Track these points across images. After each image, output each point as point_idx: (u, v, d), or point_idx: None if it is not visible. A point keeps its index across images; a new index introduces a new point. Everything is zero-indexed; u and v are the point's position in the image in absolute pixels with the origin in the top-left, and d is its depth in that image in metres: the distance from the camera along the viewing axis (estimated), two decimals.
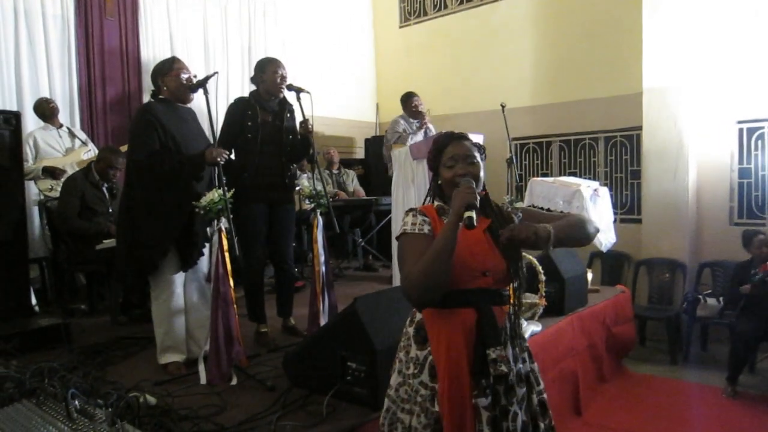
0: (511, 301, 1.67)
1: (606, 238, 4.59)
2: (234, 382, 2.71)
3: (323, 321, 3.19)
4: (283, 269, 3.55)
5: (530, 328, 3.32)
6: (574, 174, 6.25)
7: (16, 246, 3.72)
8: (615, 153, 6.09)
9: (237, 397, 2.53)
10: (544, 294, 3.53)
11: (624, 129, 5.96)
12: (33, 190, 4.66)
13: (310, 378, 2.55)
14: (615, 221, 5.21)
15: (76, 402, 1.78)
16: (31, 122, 4.71)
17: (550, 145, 6.57)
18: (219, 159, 2.74)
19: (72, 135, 4.79)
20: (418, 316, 1.66)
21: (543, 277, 3.54)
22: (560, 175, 6.33)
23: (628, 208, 5.95)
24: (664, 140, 5.35)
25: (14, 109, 4.54)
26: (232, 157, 3.28)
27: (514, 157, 4.87)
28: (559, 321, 3.65)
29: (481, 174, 1.67)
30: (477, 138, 3.84)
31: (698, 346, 5.12)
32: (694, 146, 5.32)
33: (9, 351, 2.98)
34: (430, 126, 5.37)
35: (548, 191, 4.57)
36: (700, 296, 5.02)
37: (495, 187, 5.87)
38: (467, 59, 7.18)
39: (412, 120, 5.47)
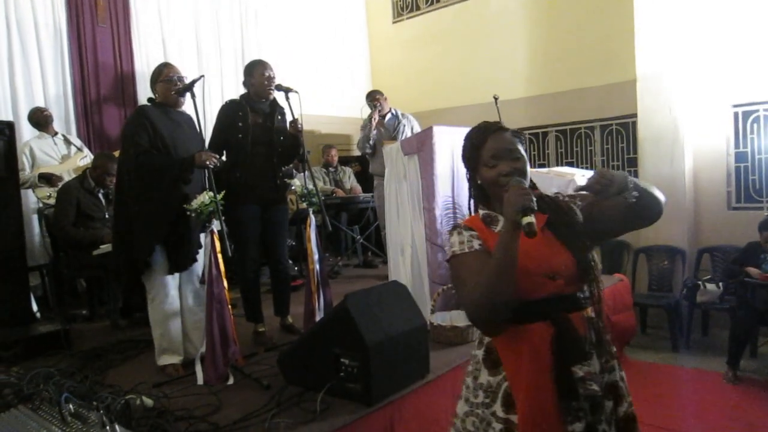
0: (592, 301, 1.44)
1: None
2: (231, 381, 2.74)
3: (319, 318, 3.21)
4: (278, 269, 3.57)
5: None
6: (571, 164, 6.25)
7: (15, 254, 3.76)
8: (611, 141, 6.08)
9: (233, 396, 2.56)
10: None
11: (619, 117, 5.95)
12: (31, 199, 4.70)
13: (304, 375, 2.58)
14: None
15: (70, 406, 1.81)
16: (26, 131, 4.75)
17: (546, 136, 6.57)
18: (208, 162, 2.77)
19: (67, 142, 4.82)
20: (487, 337, 1.48)
21: None
22: (557, 165, 6.33)
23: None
24: (659, 127, 5.34)
25: (9, 118, 4.57)
26: (224, 159, 3.31)
27: None
28: None
29: (528, 168, 1.48)
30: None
31: (699, 332, 5.12)
32: (690, 132, 5.31)
33: (10, 358, 3.02)
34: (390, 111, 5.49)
35: (543, 182, 4.50)
36: (700, 282, 5.02)
37: None
38: (461, 52, 7.18)
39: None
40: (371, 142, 5.44)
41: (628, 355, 4.70)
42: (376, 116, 5.40)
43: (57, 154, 4.73)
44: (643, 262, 5.55)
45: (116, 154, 4.19)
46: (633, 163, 5.84)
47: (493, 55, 6.85)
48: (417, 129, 5.45)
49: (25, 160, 4.52)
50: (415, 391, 2.53)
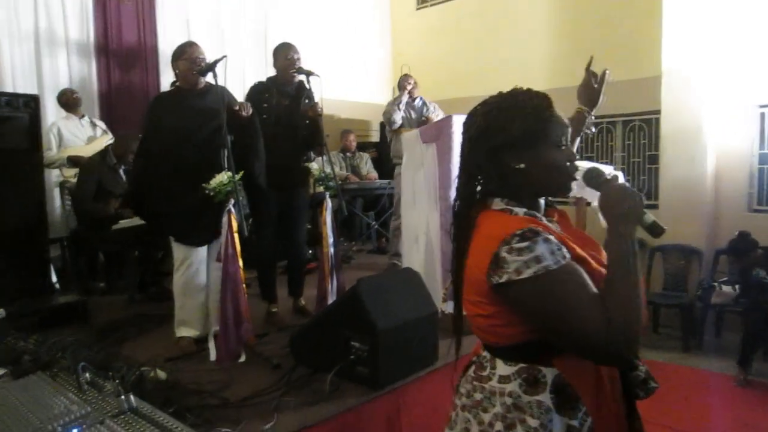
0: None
1: None
2: (242, 359, 2.79)
3: (331, 302, 3.24)
4: (294, 251, 3.62)
5: None
6: (590, 158, 6.18)
7: (36, 226, 3.84)
8: (633, 137, 6.01)
9: (243, 373, 2.62)
10: None
11: (642, 113, 5.87)
12: (54, 172, 4.78)
13: (314, 357, 2.62)
14: None
15: (87, 374, 1.85)
16: (50, 107, 4.81)
17: None
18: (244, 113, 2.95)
19: (93, 125, 4.89)
20: (550, 373, 1.18)
21: None
22: (577, 159, 6.25)
23: (644, 193, 5.84)
24: (682, 125, 5.26)
25: (34, 91, 4.63)
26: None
27: None
28: None
29: None
30: None
31: (712, 334, 5.07)
32: (714, 131, 5.22)
33: (29, 326, 3.09)
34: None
35: None
36: (716, 283, 4.97)
37: None
38: (483, 41, 7.12)
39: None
40: (398, 120, 5.32)
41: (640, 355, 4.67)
42: (405, 98, 5.34)
43: (83, 135, 4.80)
44: (659, 260, 5.50)
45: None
46: (654, 160, 5.77)
47: (516, 45, 6.79)
48: (437, 117, 5.42)
49: (52, 139, 4.60)
50: (423, 378, 2.56)
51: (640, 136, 5.95)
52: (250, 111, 3.09)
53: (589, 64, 1.65)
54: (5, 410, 1.73)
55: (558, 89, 5.92)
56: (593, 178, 1.23)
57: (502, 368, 1.22)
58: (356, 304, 2.40)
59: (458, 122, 3.52)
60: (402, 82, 5.38)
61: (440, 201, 3.56)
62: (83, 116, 4.85)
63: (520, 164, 1.22)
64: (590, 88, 1.68)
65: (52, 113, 4.82)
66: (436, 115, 5.47)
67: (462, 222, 1.27)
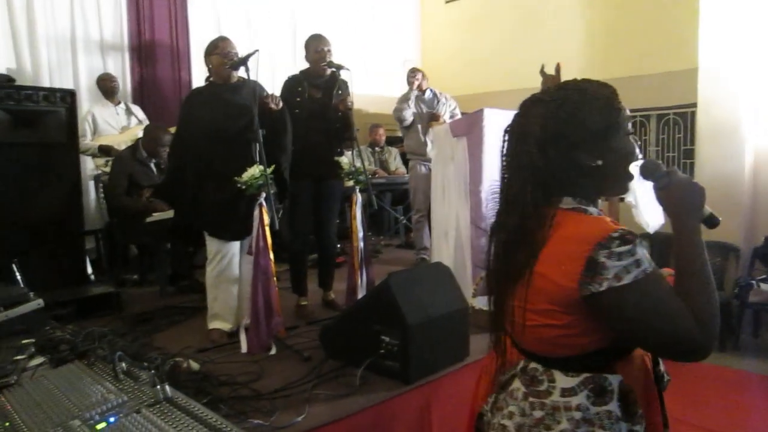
0: None
1: (654, 219, 4.45)
2: (273, 351, 2.81)
3: (360, 296, 3.25)
4: (325, 243, 3.65)
5: None
6: None
7: (72, 218, 3.94)
8: (667, 131, 5.88)
9: (274, 365, 2.63)
10: None
11: (677, 106, 5.73)
12: (89, 165, 4.88)
13: (344, 350, 2.62)
14: None
15: (123, 364, 1.88)
16: (85, 99, 4.90)
17: None
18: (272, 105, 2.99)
19: (129, 113, 4.96)
20: (615, 380, 1.13)
21: None
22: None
23: None
24: (719, 119, 5.11)
25: (70, 86, 4.74)
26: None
27: None
28: None
29: None
30: None
31: (749, 333, 4.94)
32: (752, 126, 5.07)
33: (66, 316, 3.16)
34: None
35: None
36: (754, 281, 4.84)
37: None
38: (515, 35, 7.02)
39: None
40: (409, 117, 5.26)
41: None
42: (413, 94, 5.28)
43: (117, 124, 4.88)
44: None
45: (171, 130, 4.32)
46: (689, 155, 5.64)
47: (548, 38, 6.68)
48: (456, 110, 5.36)
49: (87, 128, 4.70)
50: (453, 374, 2.54)
51: (675, 130, 5.82)
52: (280, 104, 3.09)
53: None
54: (45, 398, 1.77)
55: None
56: (652, 172, 1.16)
57: (564, 380, 1.13)
58: (387, 299, 2.39)
59: (490, 116, 3.49)
60: (409, 78, 5.33)
61: (470, 196, 3.52)
62: (119, 103, 4.93)
63: (597, 161, 1.13)
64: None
65: (87, 104, 4.91)
66: (448, 106, 5.40)
67: (532, 223, 1.13)
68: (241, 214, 3.04)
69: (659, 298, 1.04)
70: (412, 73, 5.38)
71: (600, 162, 1.13)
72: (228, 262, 3.06)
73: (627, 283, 1.02)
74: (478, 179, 3.47)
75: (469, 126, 3.55)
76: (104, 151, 4.71)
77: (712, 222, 1.13)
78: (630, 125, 1.19)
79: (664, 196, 1.14)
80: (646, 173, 1.17)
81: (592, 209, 1.16)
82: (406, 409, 2.32)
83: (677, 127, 5.80)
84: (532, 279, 1.12)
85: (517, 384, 1.20)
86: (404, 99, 5.25)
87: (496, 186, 3.70)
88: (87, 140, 4.65)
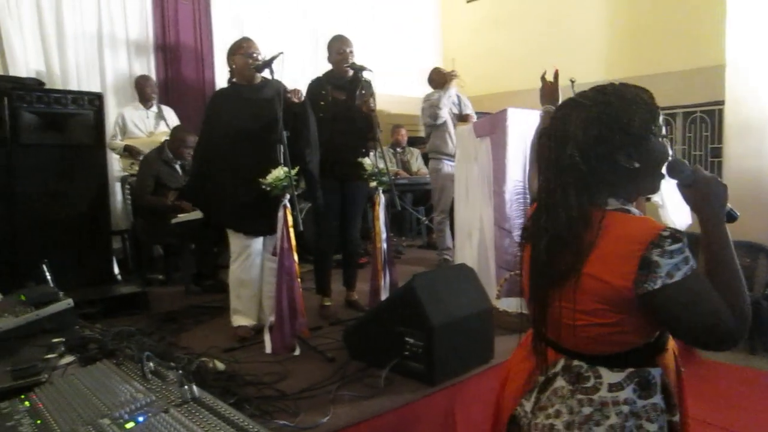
0: None
1: (681, 218, 4.39)
2: (297, 352, 2.82)
3: (384, 297, 3.24)
4: (349, 243, 3.67)
5: None
6: None
7: (99, 219, 4.00)
8: (694, 129, 5.77)
9: (298, 366, 2.64)
10: None
11: (704, 104, 5.63)
12: (116, 167, 4.95)
13: (368, 351, 2.62)
14: None
15: (151, 364, 1.90)
16: (112, 102, 4.98)
17: None
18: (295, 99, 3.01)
19: (160, 116, 5.03)
20: (657, 373, 1.20)
21: None
22: None
23: None
24: (748, 116, 5.00)
25: (97, 88, 4.82)
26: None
27: None
28: None
29: None
30: None
31: None
32: None
33: (94, 315, 3.21)
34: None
35: None
36: None
37: None
38: (536, 33, 6.96)
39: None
40: (444, 115, 5.14)
41: (701, 353, 4.50)
42: (453, 90, 5.22)
43: (145, 128, 4.95)
44: None
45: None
46: (717, 153, 5.53)
47: (570, 35, 6.61)
48: (471, 111, 5.32)
49: (117, 129, 4.80)
50: (478, 375, 2.53)
51: (702, 128, 5.71)
52: (302, 96, 3.12)
53: (543, 75, 1.92)
54: (75, 396, 1.80)
55: (618, 81, 5.67)
56: (679, 170, 1.19)
57: (610, 376, 1.17)
58: (411, 300, 2.38)
59: (513, 115, 3.46)
60: (449, 77, 5.27)
61: (494, 196, 3.50)
62: (152, 106, 5.00)
63: (635, 163, 1.17)
64: (549, 89, 1.90)
65: (112, 108, 4.99)
66: (471, 109, 5.36)
67: (578, 226, 1.15)
68: (266, 211, 3.05)
69: (705, 291, 1.09)
70: (453, 72, 5.33)
71: (638, 164, 1.16)
72: (251, 261, 3.09)
73: (678, 279, 1.07)
74: (502, 180, 3.45)
75: (493, 126, 3.53)
76: (129, 151, 4.79)
77: (731, 216, 1.18)
78: (663, 127, 1.21)
79: (690, 193, 1.18)
80: (672, 172, 1.20)
81: (633, 209, 1.19)
82: (431, 411, 2.31)
83: (704, 125, 5.69)
84: (582, 281, 1.14)
85: (560, 383, 1.22)
86: (443, 96, 5.19)
87: (519, 186, 3.70)
88: (117, 141, 4.76)
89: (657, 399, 1.17)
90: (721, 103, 5.27)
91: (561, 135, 1.20)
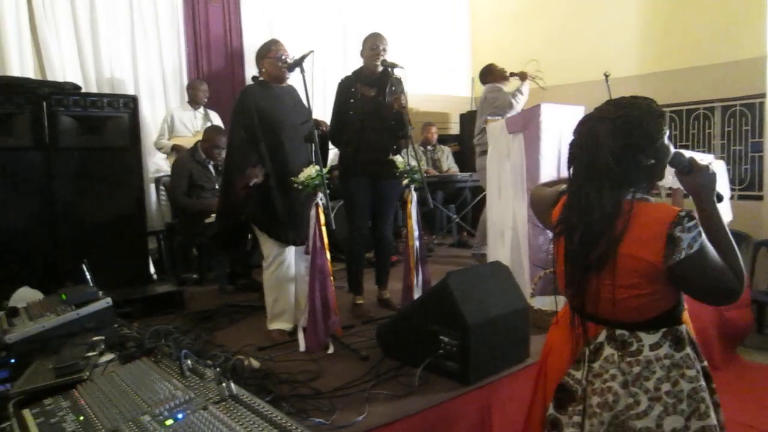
0: None
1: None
2: (330, 350, 2.82)
3: (416, 295, 3.22)
4: (382, 240, 3.65)
5: None
6: (686, 147, 5.82)
7: (136, 220, 4.08)
8: (733, 124, 5.60)
9: (332, 364, 2.64)
10: None
11: (744, 97, 5.45)
12: (150, 168, 5.05)
13: (402, 350, 2.61)
14: (732, 197, 4.82)
15: (188, 361, 1.92)
16: (145, 103, 5.08)
17: None
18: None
19: (206, 118, 5.13)
20: (683, 329, 1.47)
21: None
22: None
23: (747, 184, 5.48)
24: None
25: (131, 91, 4.92)
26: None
27: None
28: None
29: None
30: (577, 110, 3.69)
31: None
32: None
33: (131, 314, 3.27)
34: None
35: None
36: None
37: None
38: (568, 27, 6.85)
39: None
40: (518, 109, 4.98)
41: (741, 355, 4.37)
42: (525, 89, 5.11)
43: (192, 127, 5.05)
44: (764, 256, 5.10)
45: None
46: (758, 147, 5.36)
47: (603, 29, 6.48)
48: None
49: (165, 127, 4.93)
50: (514, 375, 2.49)
51: (741, 122, 5.54)
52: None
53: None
54: (116, 393, 1.82)
55: (650, 75, 5.60)
56: (678, 162, 1.49)
57: (649, 338, 1.43)
58: (446, 298, 2.36)
59: (547, 111, 3.41)
60: (524, 75, 5.18)
61: (527, 193, 3.45)
62: (199, 108, 5.11)
63: (651, 160, 1.44)
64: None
65: (147, 110, 5.10)
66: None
67: (613, 216, 1.41)
68: (304, 217, 3.07)
69: (713, 258, 1.37)
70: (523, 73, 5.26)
71: (653, 161, 1.44)
72: (287, 266, 3.10)
73: (696, 249, 1.34)
74: (536, 176, 3.40)
75: (526, 122, 3.48)
76: (177, 151, 4.89)
77: (719, 198, 1.48)
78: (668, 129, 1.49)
79: (686, 180, 1.49)
80: (673, 163, 1.49)
81: (650, 198, 1.48)
82: (466, 411, 2.28)
83: (744, 118, 5.52)
84: (619, 260, 1.40)
85: (608, 351, 1.46)
86: (518, 91, 5.07)
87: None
88: (164, 139, 4.88)
89: (689, 350, 1.43)
90: (762, 96, 5.11)
91: (593, 144, 1.45)
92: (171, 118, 4.99)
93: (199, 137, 4.90)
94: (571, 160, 1.53)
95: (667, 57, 5.95)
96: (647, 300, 1.41)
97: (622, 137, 1.41)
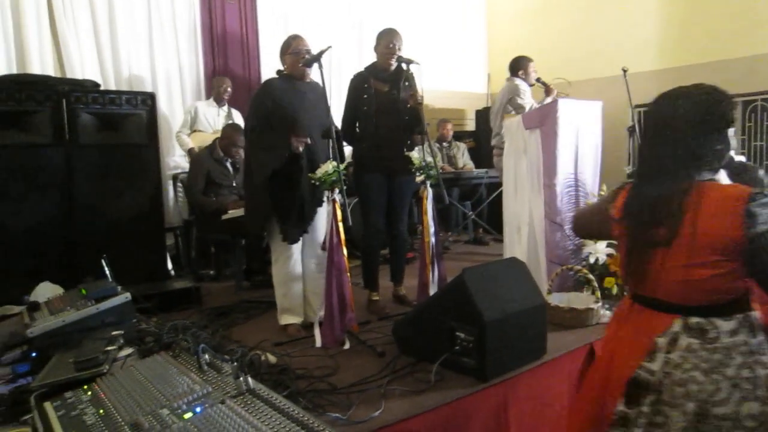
0: None
1: None
2: (347, 346, 2.82)
3: (432, 292, 3.21)
4: (397, 236, 3.65)
5: None
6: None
7: (154, 216, 4.11)
8: (755, 119, 5.51)
9: (349, 360, 2.64)
10: None
11: (765, 92, 5.37)
12: (168, 165, 5.08)
13: (418, 346, 2.60)
14: None
15: (206, 356, 1.93)
16: (164, 101, 5.12)
17: None
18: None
19: (229, 117, 5.16)
20: (756, 315, 1.48)
21: None
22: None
23: None
24: None
25: (149, 88, 4.96)
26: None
27: (636, 125, 4.57)
28: None
29: None
30: (595, 106, 3.65)
31: None
32: None
33: (150, 309, 3.30)
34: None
35: None
36: None
37: (614, 156, 5.56)
38: (585, 22, 6.78)
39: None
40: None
41: None
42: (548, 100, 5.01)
43: (214, 124, 5.08)
44: None
45: None
46: None
47: (621, 23, 6.40)
48: None
49: (188, 119, 4.96)
50: (531, 372, 2.47)
51: (763, 116, 5.49)
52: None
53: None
54: (135, 387, 1.84)
55: (669, 70, 5.52)
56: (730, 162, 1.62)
57: (725, 325, 1.44)
58: (462, 294, 2.35)
59: (564, 106, 3.38)
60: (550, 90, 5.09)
61: (544, 189, 3.43)
62: (224, 105, 5.14)
63: (720, 145, 1.48)
64: None
65: (164, 107, 5.13)
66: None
67: (686, 192, 1.45)
68: (304, 216, 3.09)
69: None
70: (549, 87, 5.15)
71: (720, 146, 1.48)
72: (293, 262, 3.12)
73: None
74: (553, 172, 3.37)
75: (543, 117, 3.45)
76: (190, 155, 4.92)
77: None
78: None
79: (736, 180, 1.60)
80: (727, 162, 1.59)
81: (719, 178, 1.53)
82: (483, 407, 2.27)
83: (765, 113, 5.43)
84: (695, 238, 1.42)
85: (686, 340, 1.46)
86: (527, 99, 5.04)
87: (570, 179, 3.62)
88: (185, 133, 4.91)
89: (762, 336, 1.44)
90: None
91: (670, 115, 1.50)
92: (195, 110, 4.99)
93: (218, 135, 4.94)
94: (647, 133, 1.59)
95: (687, 51, 5.86)
96: (724, 280, 1.42)
97: (702, 113, 1.46)
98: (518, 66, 5.11)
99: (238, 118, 5.20)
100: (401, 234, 3.65)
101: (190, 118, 4.98)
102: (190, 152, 4.86)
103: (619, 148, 5.62)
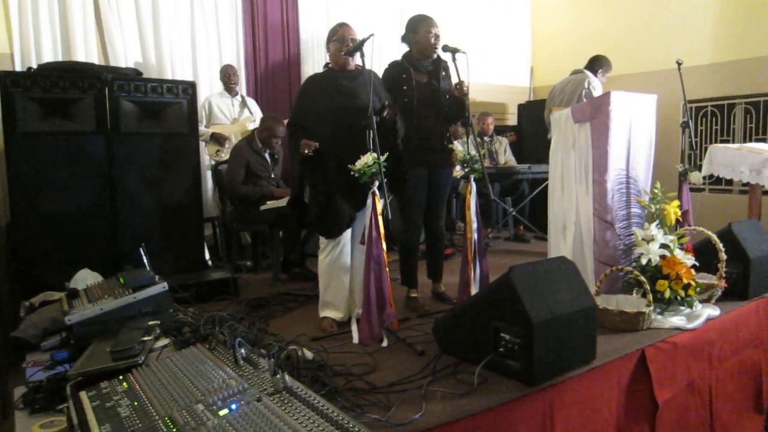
0: None
1: None
2: (385, 344, 2.74)
3: (474, 290, 3.10)
4: (436, 232, 3.54)
5: (706, 312, 2.96)
6: (762, 140, 5.46)
7: (192, 207, 4.11)
8: None
9: (387, 358, 2.55)
10: (724, 275, 3.14)
11: None
12: (206, 155, 5.09)
13: (460, 346, 2.50)
14: None
15: (243, 350, 1.88)
16: (204, 90, 5.13)
17: (732, 108, 5.78)
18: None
19: (243, 105, 5.14)
20: None
21: (723, 256, 3.14)
22: (745, 141, 5.57)
23: None
24: None
25: (190, 77, 4.97)
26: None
27: (690, 121, 4.35)
28: (741, 306, 3.22)
29: None
30: (650, 99, 3.47)
31: None
32: None
33: (187, 299, 3.29)
34: None
35: (732, 159, 4.02)
36: None
37: (667, 153, 5.33)
38: (637, 13, 6.52)
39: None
40: None
41: None
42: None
43: (230, 114, 5.07)
44: None
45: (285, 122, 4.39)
46: None
47: (673, 15, 6.14)
48: None
49: (203, 114, 4.94)
50: (579, 377, 2.34)
51: None
52: (395, 115, 3.07)
53: None
54: (170, 380, 1.80)
55: (726, 63, 5.28)
56: None
57: None
58: (508, 294, 2.23)
59: (617, 99, 3.21)
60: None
61: (594, 186, 3.27)
62: (237, 95, 5.12)
63: None
64: None
65: (205, 94, 5.15)
66: None
67: None
68: (350, 205, 3.01)
69: None
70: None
71: None
72: (340, 251, 3.03)
73: None
74: (603, 168, 3.21)
75: (594, 111, 3.29)
76: (216, 139, 4.91)
77: None
78: None
79: None
80: None
81: None
82: (529, 413, 2.16)
83: None
84: None
85: None
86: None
87: (622, 175, 3.46)
88: (202, 126, 4.88)
89: None
90: None
91: None
92: (208, 104, 4.98)
93: (240, 126, 4.92)
94: None
95: (746, 44, 5.57)
96: None
97: None
98: (599, 64, 5.17)
99: (254, 107, 5.18)
100: (440, 229, 3.55)
101: (204, 113, 4.95)
102: (213, 138, 4.85)
103: (672, 145, 5.38)
